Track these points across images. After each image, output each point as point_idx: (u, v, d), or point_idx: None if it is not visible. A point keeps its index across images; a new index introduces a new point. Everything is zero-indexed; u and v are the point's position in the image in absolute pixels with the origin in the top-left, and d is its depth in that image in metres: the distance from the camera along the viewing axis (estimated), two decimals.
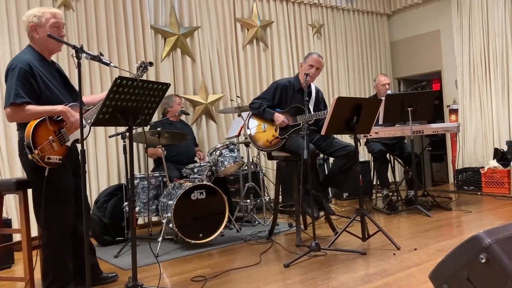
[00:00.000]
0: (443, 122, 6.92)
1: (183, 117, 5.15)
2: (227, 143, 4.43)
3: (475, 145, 6.47)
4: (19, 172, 4.29)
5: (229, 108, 5.31)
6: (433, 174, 7.80)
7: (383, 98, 4.50)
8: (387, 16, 7.78)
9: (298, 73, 4.20)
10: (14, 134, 4.28)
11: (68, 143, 2.73)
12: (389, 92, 5.31)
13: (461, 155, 6.54)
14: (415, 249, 3.41)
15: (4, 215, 3.44)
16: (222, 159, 4.31)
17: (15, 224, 4.06)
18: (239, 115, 4.90)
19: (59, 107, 2.68)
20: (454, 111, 6.83)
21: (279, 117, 3.95)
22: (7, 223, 3.68)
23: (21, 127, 2.66)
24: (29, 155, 2.55)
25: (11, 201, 4.23)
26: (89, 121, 2.75)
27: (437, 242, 3.60)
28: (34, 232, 3.16)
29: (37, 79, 2.67)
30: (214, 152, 4.35)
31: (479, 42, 6.37)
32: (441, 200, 5.38)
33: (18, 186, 2.84)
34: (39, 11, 2.78)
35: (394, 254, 3.33)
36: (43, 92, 2.70)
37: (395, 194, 5.54)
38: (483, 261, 1.69)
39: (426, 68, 7.33)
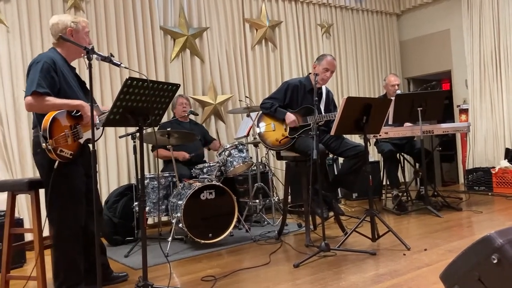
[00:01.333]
0: (453, 122, 6.87)
1: (192, 117, 5.16)
2: (236, 143, 4.44)
3: (486, 145, 6.42)
4: (30, 172, 4.33)
5: (238, 109, 5.32)
6: (443, 174, 7.74)
7: (393, 98, 4.49)
8: (397, 16, 7.75)
9: (309, 74, 4.20)
10: (25, 134, 4.34)
11: (81, 140, 2.77)
12: (398, 92, 5.29)
13: (472, 155, 6.50)
14: (425, 250, 3.40)
15: (16, 214, 3.47)
16: (231, 159, 4.32)
17: (27, 224, 4.11)
18: (248, 115, 4.91)
19: (77, 101, 2.74)
20: (464, 111, 6.79)
21: (290, 117, 3.95)
22: (19, 222, 3.72)
23: (38, 124, 2.70)
24: (43, 144, 2.59)
25: (23, 201, 4.28)
26: (103, 122, 2.79)
27: (448, 243, 3.58)
28: (46, 231, 3.18)
29: (59, 75, 2.75)
30: (223, 152, 4.36)
31: (489, 41, 6.32)
32: (451, 201, 5.35)
33: (30, 186, 2.87)
34: (75, 18, 2.91)
35: (404, 254, 3.32)
36: (63, 87, 2.76)
37: (405, 194, 5.51)
38: (495, 261, 1.67)
39: (436, 68, 7.28)
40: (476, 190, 6.06)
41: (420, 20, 7.48)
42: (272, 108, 4.03)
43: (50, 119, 2.61)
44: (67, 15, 2.98)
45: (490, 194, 5.84)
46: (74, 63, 3.06)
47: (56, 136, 2.62)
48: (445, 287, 1.90)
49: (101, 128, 2.95)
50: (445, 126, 5.08)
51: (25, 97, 2.68)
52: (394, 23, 7.71)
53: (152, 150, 5.01)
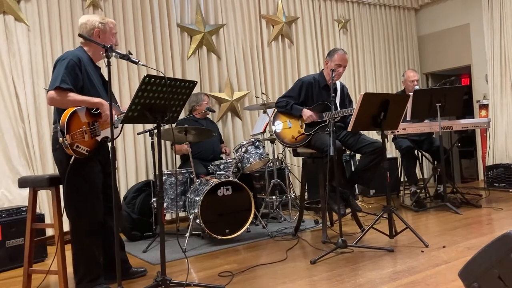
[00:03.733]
0: (473, 117, 6.77)
1: (209, 115, 5.19)
2: (253, 139, 4.45)
3: (507, 140, 6.30)
4: (50, 169, 4.41)
5: (255, 105, 5.33)
6: (462, 171, 7.64)
7: (411, 94, 4.44)
8: (415, 10, 7.65)
9: (323, 70, 4.18)
10: (46, 131, 4.41)
11: (99, 138, 2.81)
12: (417, 87, 5.23)
13: (492, 151, 6.39)
14: (443, 247, 3.37)
15: (37, 210, 3.54)
16: (247, 156, 4.33)
17: (48, 219, 4.18)
18: (265, 112, 4.91)
19: (97, 99, 2.79)
20: (484, 106, 6.68)
21: (307, 113, 3.94)
22: (40, 218, 3.79)
23: (58, 119, 2.75)
24: (60, 138, 2.64)
25: (43, 196, 4.36)
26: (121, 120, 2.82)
27: (467, 240, 3.54)
28: (66, 227, 3.23)
29: (83, 73, 2.81)
30: (240, 149, 4.38)
31: (511, 35, 6.20)
32: (470, 197, 5.28)
33: (51, 182, 2.92)
34: (103, 19, 2.98)
35: (422, 251, 3.30)
36: (86, 86, 2.82)
37: (423, 191, 5.46)
38: None
39: (455, 63, 7.18)
40: (496, 187, 5.97)
41: (438, 14, 7.38)
42: (287, 106, 4.02)
43: (68, 114, 2.66)
44: (96, 15, 3.05)
45: (510, 191, 5.75)
46: (98, 63, 3.11)
47: (73, 131, 2.67)
48: (464, 285, 1.88)
49: (120, 126, 2.98)
50: (464, 121, 5.00)
51: (47, 91, 2.74)
52: (412, 17, 7.62)
53: (171, 146, 5.08)
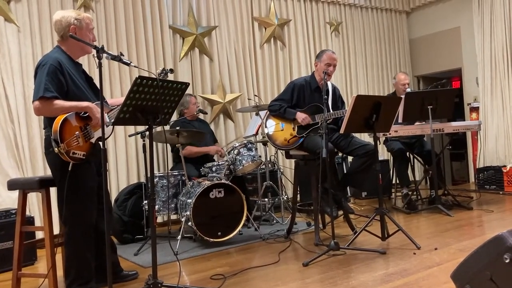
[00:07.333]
0: (464, 120, 6.81)
1: (200, 115, 5.16)
2: (245, 142, 4.45)
3: (497, 143, 6.35)
4: (41, 171, 4.37)
5: (247, 107, 5.32)
6: (453, 173, 7.69)
7: (403, 96, 4.46)
8: (406, 13, 7.70)
9: (314, 72, 4.18)
10: (36, 133, 4.37)
11: (92, 140, 2.79)
12: (408, 90, 5.25)
13: (482, 154, 6.43)
14: (435, 249, 3.37)
15: (27, 212, 3.50)
16: (240, 158, 4.32)
17: (37, 222, 4.14)
18: (257, 114, 4.91)
19: (85, 103, 2.74)
20: (475, 109, 6.73)
21: (301, 115, 3.94)
22: (30, 220, 3.75)
23: (48, 125, 2.71)
24: (55, 148, 2.60)
25: (33, 199, 4.31)
26: (112, 120, 2.80)
27: (458, 242, 3.55)
28: (56, 229, 3.20)
29: (66, 76, 2.75)
30: (232, 151, 4.36)
31: (501, 39, 6.26)
32: (461, 200, 5.30)
33: (41, 185, 2.89)
34: (78, 14, 2.89)
35: (414, 253, 3.30)
36: (71, 88, 2.77)
37: (415, 193, 5.48)
38: (507, 261, 1.66)
39: (446, 66, 7.23)
40: (487, 189, 6.01)
41: (430, 17, 7.43)
42: (281, 109, 4.02)
43: (60, 123, 2.62)
44: (70, 11, 2.95)
45: (501, 193, 5.79)
46: (83, 61, 3.07)
47: (67, 139, 2.63)
48: (456, 287, 1.89)
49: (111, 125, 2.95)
50: (455, 124, 5.03)
51: (33, 102, 2.69)
52: (403, 20, 7.66)
53: (172, 150, 4.96)
